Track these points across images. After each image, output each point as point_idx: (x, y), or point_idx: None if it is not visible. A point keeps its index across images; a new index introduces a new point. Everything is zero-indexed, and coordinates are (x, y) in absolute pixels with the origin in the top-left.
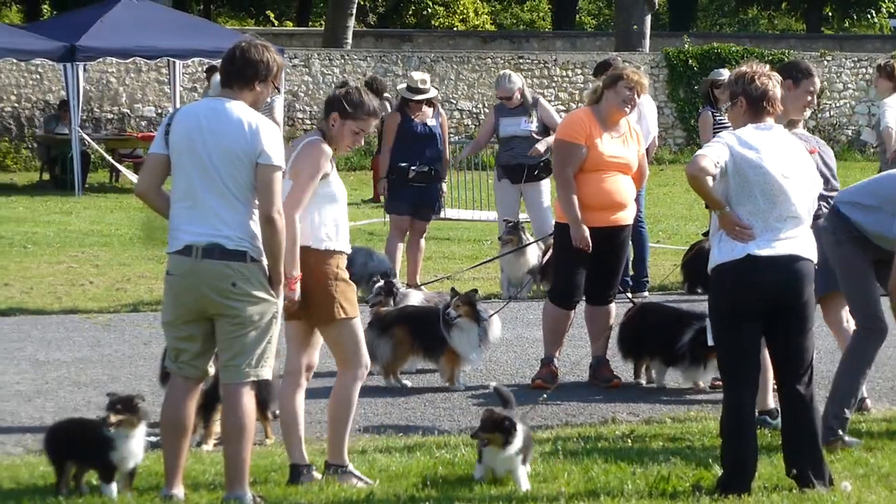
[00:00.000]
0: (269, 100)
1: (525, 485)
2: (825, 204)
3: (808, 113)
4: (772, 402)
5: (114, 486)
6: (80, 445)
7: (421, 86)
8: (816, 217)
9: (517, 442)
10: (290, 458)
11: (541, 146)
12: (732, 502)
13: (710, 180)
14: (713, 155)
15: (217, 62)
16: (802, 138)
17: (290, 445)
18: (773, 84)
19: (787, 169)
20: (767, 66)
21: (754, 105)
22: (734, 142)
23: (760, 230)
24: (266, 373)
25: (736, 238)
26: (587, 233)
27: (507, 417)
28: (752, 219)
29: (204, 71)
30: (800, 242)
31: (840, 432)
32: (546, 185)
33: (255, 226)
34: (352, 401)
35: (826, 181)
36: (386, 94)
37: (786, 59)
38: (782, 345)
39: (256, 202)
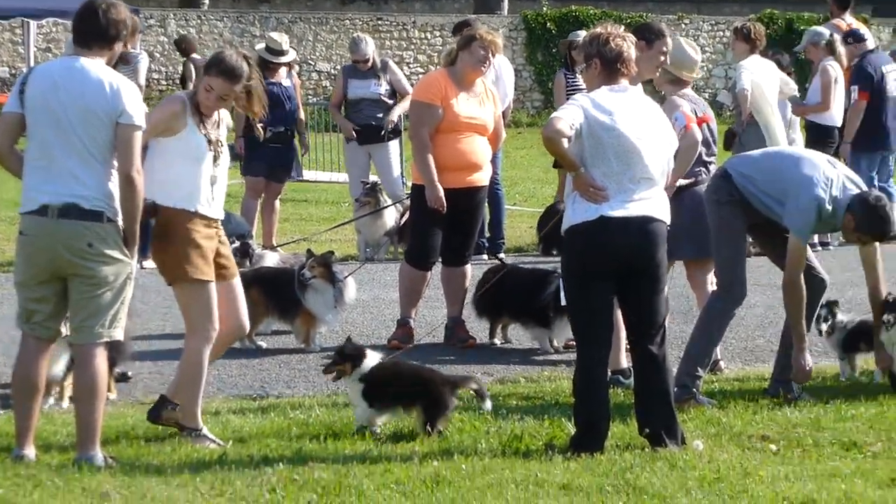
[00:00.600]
0: (135, 61)
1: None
2: (704, 169)
3: (697, 75)
4: (625, 361)
5: None
6: None
7: (282, 47)
8: (696, 183)
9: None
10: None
11: (394, 115)
12: (585, 461)
13: (565, 142)
14: (568, 117)
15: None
16: (694, 102)
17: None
18: (628, 45)
19: (640, 130)
20: (622, 28)
21: (608, 67)
22: (588, 104)
23: (614, 192)
24: (118, 333)
25: (590, 199)
26: (442, 193)
27: (357, 346)
28: (605, 180)
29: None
30: (653, 204)
31: (693, 391)
32: (394, 147)
33: (112, 186)
34: (202, 363)
35: (708, 146)
36: (194, 55)
37: (643, 22)
38: (634, 305)
39: (114, 162)
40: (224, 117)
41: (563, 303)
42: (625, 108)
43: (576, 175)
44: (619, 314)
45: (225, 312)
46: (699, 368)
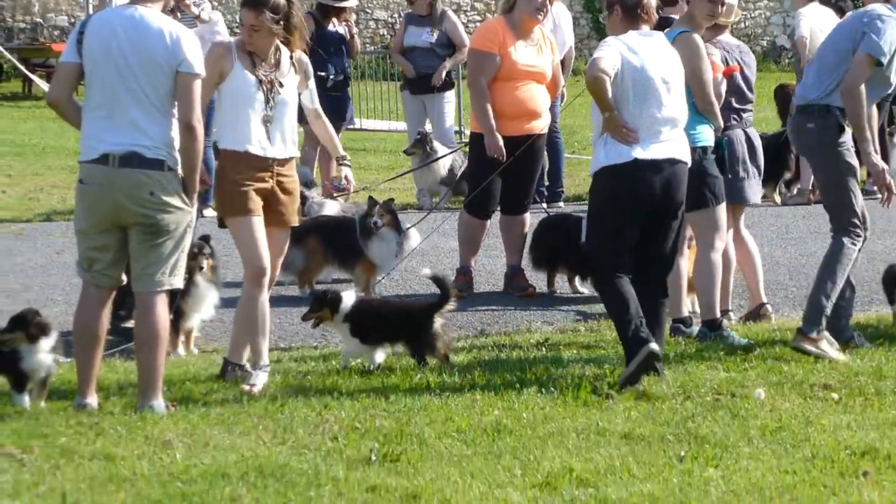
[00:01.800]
0: (208, 17)
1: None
2: (736, 117)
3: (734, 18)
4: (686, 309)
5: (25, 396)
6: None
7: None
8: (727, 128)
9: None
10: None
11: (444, 67)
12: (646, 410)
13: (608, 82)
14: (609, 58)
15: None
16: (728, 49)
17: (233, 342)
18: None
19: (668, 74)
20: None
21: (630, 13)
22: (623, 48)
23: (645, 134)
24: (179, 281)
25: (622, 141)
26: (501, 142)
27: (331, 290)
28: (636, 122)
29: None
30: (678, 145)
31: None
32: (449, 97)
33: (173, 135)
34: (247, 300)
35: (740, 94)
36: None
37: None
38: (657, 241)
39: (174, 111)
40: (297, 61)
41: (584, 240)
42: (653, 52)
43: (609, 116)
44: (680, 261)
45: None
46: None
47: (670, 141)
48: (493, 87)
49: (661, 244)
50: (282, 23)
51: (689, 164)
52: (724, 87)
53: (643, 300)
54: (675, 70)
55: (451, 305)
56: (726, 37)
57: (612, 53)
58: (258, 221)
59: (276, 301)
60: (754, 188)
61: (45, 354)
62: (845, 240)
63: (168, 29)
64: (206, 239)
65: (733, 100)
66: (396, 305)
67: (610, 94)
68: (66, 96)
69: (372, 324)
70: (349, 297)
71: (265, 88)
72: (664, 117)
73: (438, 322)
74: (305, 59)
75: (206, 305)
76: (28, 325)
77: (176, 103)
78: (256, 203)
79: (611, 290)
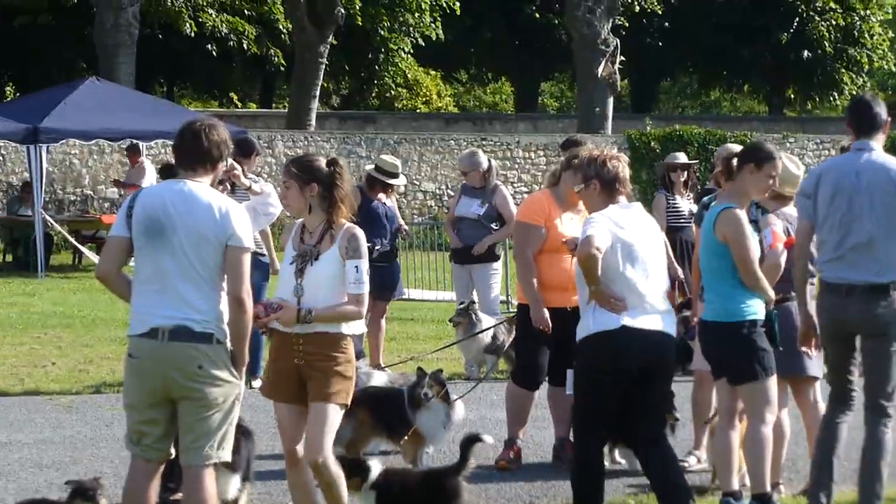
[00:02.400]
0: (260, 189)
1: None
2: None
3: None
4: (736, 483)
5: None
6: None
7: (396, 170)
8: (784, 300)
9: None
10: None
11: (486, 241)
12: None
13: (600, 259)
14: (602, 235)
15: None
16: (790, 221)
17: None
18: (623, 166)
19: (651, 245)
20: (616, 149)
21: (608, 187)
22: (610, 224)
23: (633, 304)
24: (227, 455)
25: (611, 310)
26: (546, 314)
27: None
28: (625, 293)
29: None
30: (664, 318)
31: None
32: (494, 268)
33: (222, 307)
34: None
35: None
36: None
37: (748, 141)
38: (646, 399)
39: (223, 284)
40: (343, 236)
41: (569, 392)
42: (637, 224)
43: (596, 290)
44: (734, 435)
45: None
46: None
47: (657, 313)
48: (539, 258)
49: (654, 399)
50: (314, 185)
51: (674, 338)
52: (783, 258)
53: (656, 457)
54: (657, 239)
55: (471, 466)
56: (789, 208)
57: (603, 231)
58: (281, 406)
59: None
60: (815, 360)
61: None
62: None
63: (217, 203)
64: None
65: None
66: (423, 473)
67: (599, 270)
68: (114, 270)
69: (397, 494)
70: (376, 467)
71: (298, 261)
72: (651, 288)
73: (464, 485)
74: (356, 234)
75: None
76: (88, 496)
77: (225, 276)
78: (280, 386)
79: (580, 447)
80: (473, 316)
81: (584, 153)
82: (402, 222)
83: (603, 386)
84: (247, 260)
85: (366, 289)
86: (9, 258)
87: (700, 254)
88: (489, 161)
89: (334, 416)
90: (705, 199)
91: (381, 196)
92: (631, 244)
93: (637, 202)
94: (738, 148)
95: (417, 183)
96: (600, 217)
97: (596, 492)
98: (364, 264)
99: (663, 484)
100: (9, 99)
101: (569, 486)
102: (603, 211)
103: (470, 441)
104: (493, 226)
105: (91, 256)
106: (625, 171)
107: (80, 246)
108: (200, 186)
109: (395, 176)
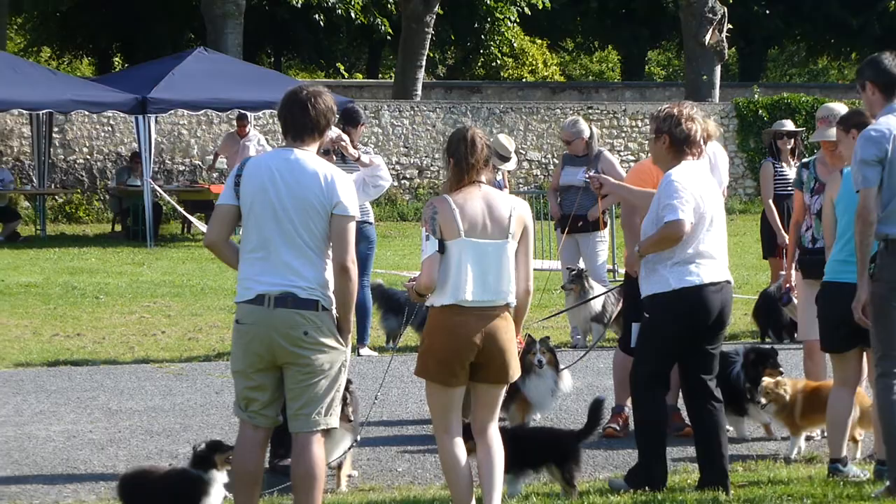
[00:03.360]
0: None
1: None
2: None
3: None
4: (845, 450)
5: None
6: (159, 493)
7: (508, 154)
8: None
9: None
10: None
11: (597, 208)
12: None
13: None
14: (690, 213)
15: None
16: None
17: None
18: (697, 128)
19: (718, 202)
20: (695, 108)
21: (677, 146)
22: (692, 188)
23: (707, 258)
24: (334, 421)
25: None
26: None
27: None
28: (700, 248)
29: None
30: (725, 267)
31: None
32: (602, 236)
33: (327, 275)
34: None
35: None
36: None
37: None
38: (706, 357)
39: (328, 252)
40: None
41: (633, 345)
42: (706, 181)
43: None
44: (845, 401)
45: None
46: None
47: (723, 265)
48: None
49: (713, 356)
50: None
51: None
52: None
53: (707, 414)
54: (719, 195)
55: (597, 432)
56: None
57: (690, 208)
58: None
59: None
60: None
61: (220, 488)
62: None
63: (323, 172)
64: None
65: None
66: (545, 432)
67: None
68: (222, 238)
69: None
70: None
71: None
72: (719, 242)
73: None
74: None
75: (341, 447)
76: (224, 452)
77: (331, 244)
78: None
79: (647, 402)
80: (585, 283)
81: (665, 107)
82: (507, 190)
83: (680, 341)
84: (352, 228)
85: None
86: (118, 228)
87: (837, 213)
88: (591, 129)
89: None
90: (805, 159)
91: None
92: (704, 205)
93: (702, 161)
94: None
95: (523, 152)
96: (684, 186)
97: (662, 446)
98: None
99: (707, 440)
100: (117, 70)
101: (676, 453)
102: (683, 172)
103: (597, 406)
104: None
105: (200, 226)
106: (698, 132)
107: (188, 216)
108: (307, 155)
109: (507, 159)
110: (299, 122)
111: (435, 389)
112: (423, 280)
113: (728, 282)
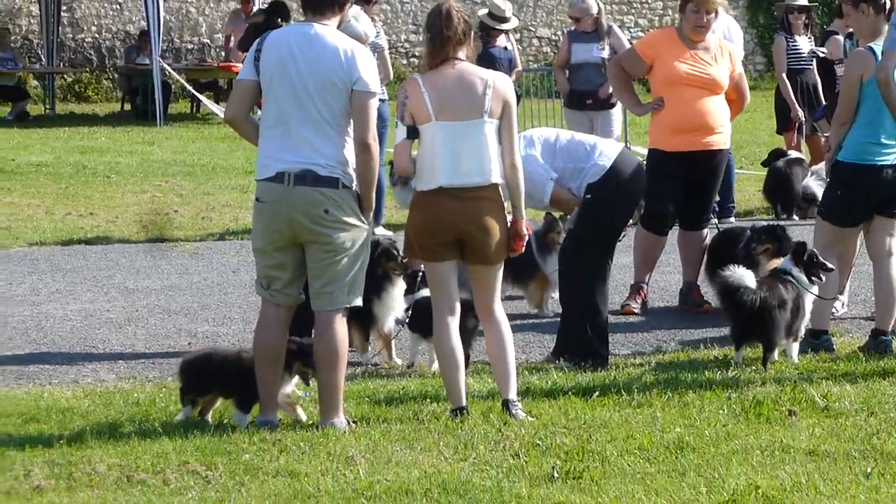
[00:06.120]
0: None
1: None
2: None
3: None
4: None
5: (248, 417)
6: (222, 376)
7: (505, 14)
8: None
9: None
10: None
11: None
12: (830, 426)
13: None
14: None
15: None
16: None
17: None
18: None
19: None
20: None
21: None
22: None
23: None
24: (357, 300)
25: None
26: (647, 111)
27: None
28: None
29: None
30: None
31: None
32: (617, 114)
33: (348, 153)
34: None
35: None
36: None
37: None
38: None
39: (349, 129)
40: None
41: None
42: None
43: None
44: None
45: None
46: None
47: None
48: (667, 96)
49: None
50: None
51: None
52: None
53: None
54: None
55: None
56: None
57: None
58: None
59: None
60: None
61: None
62: None
63: (343, 47)
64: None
65: None
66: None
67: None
68: (242, 114)
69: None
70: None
71: None
72: None
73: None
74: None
75: (399, 307)
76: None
77: (351, 121)
78: None
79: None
80: None
81: None
82: (519, 66)
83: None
84: (373, 104)
85: None
86: (127, 107)
87: (863, 94)
88: (598, 4)
89: None
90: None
91: (501, 39)
92: None
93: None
94: None
95: (533, 29)
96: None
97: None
98: None
99: None
100: None
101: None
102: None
103: None
104: None
105: (209, 105)
106: None
107: (198, 94)
108: (327, 29)
109: (506, 20)
110: None
111: (425, 265)
112: (397, 164)
113: None
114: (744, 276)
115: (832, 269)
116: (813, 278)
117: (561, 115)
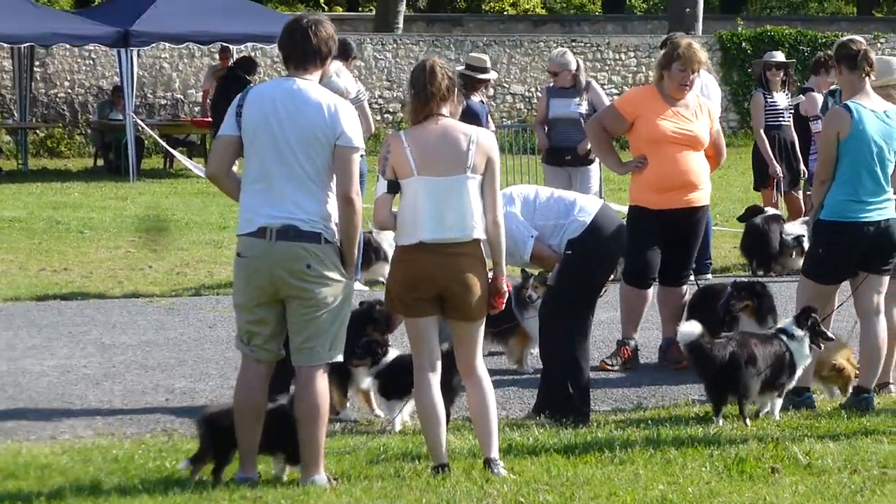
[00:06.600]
0: (354, 94)
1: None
2: None
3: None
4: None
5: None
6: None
7: (485, 65)
8: None
9: None
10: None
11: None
12: (813, 484)
13: None
14: None
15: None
16: None
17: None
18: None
19: None
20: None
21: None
22: None
23: None
24: (339, 355)
25: None
26: (625, 169)
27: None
28: None
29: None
30: None
31: None
32: (594, 170)
33: (330, 208)
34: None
35: None
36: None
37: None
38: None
39: (332, 184)
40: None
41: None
42: None
43: None
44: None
45: None
46: None
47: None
48: (649, 154)
49: None
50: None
51: None
52: None
53: None
54: None
55: None
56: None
57: None
58: None
59: None
60: None
61: None
62: None
63: (326, 102)
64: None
65: None
66: None
67: None
68: (223, 170)
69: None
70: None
71: None
72: None
73: None
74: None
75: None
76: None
77: (334, 176)
78: None
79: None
80: None
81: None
82: (492, 126)
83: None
84: (356, 159)
85: None
86: (100, 162)
87: (841, 151)
88: (577, 60)
89: None
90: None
91: (478, 94)
92: None
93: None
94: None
95: (506, 86)
96: None
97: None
98: None
99: None
100: (98, 2)
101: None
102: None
103: None
104: None
105: (182, 160)
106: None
107: (171, 150)
108: (310, 84)
109: (486, 71)
110: (301, 51)
111: (405, 321)
112: (376, 219)
113: None
114: (692, 330)
115: (832, 339)
116: (812, 346)
117: (536, 171)
